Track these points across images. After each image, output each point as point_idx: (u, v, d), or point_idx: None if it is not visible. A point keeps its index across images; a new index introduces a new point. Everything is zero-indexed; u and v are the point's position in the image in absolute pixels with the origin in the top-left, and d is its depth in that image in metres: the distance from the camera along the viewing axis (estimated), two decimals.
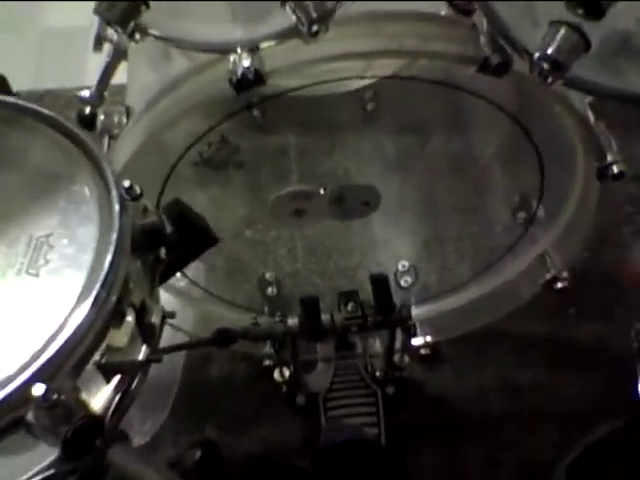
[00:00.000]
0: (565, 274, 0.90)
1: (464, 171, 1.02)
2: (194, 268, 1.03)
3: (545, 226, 0.92)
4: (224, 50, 0.63)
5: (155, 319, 0.49)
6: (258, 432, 1.00)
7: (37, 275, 0.44)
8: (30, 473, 0.45)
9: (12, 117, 0.55)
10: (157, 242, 0.52)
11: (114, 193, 0.47)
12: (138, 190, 0.50)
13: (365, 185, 0.87)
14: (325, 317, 0.83)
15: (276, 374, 0.98)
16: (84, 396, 0.44)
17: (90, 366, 0.45)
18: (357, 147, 1.13)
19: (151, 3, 0.59)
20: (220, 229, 1.09)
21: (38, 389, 0.40)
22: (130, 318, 0.48)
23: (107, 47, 0.83)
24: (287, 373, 0.97)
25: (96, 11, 0.60)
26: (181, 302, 0.99)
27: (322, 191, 0.86)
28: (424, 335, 0.99)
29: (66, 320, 0.42)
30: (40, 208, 0.48)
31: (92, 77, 0.85)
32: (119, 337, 0.47)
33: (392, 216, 1.03)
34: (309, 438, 0.98)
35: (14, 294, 0.44)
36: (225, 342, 0.80)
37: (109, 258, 0.44)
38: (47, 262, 0.45)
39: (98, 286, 0.43)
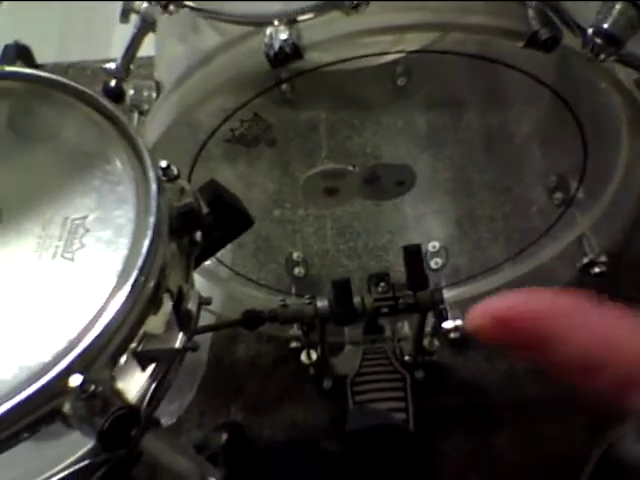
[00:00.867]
0: (603, 258, 0.87)
1: (499, 148, 0.99)
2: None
3: (584, 208, 0.89)
4: (262, 22, 0.60)
5: (192, 305, 0.47)
6: (284, 414, 0.99)
7: (73, 259, 0.42)
8: (63, 464, 0.43)
9: (43, 91, 0.52)
10: (193, 225, 0.50)
11: (151, 174, 0.45)
12: (175, 171, 0.48)
13: (400, 164, 0.84)
14: (355, 299, 0.81)
15: (303, 356, 0.96)
16: (120, 385, 0.42)
17: (126, 355, 0.43)
18: (388, 123, 1.10)
19: None
20: (248, 207, 1.08)
21: (75, 380, 0.38)
22: (167, 304, 0.46)
23: (134, 18, 0.81)
24: (314, 356, 0.96)
25: None
26: (208, 282, 0.97)
27: (351, 167, 0.84)
28: (455, 319, 0.97)
29: (103, 307, 0.40)
30: (74, 188, 0.46)
31: (118, 49, 0.82)
32: (156, 324, 0.45)
33: (423, 195, 1.01)
34: (335, 421, 0.97)
35: (49, 279, 0.42)
36: (253, 324, 0.78)
37: (147, 242, 0.42)
38: (83, 246, 0.43)
39: (136, 272, 0.41)
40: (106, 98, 0.52)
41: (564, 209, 0.89)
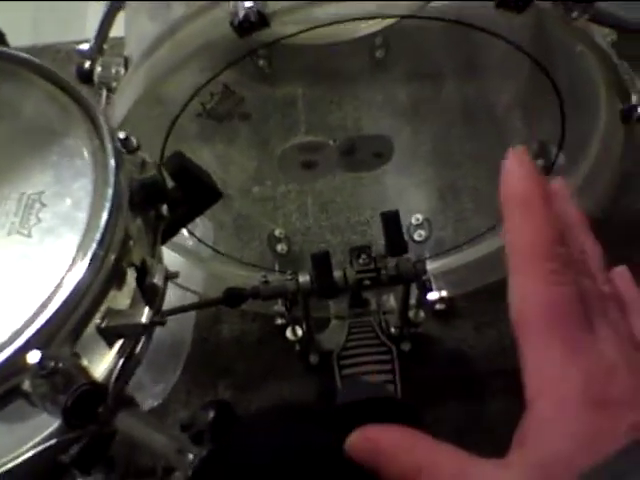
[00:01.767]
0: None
1: (480, 118, 0.98)
2: (202, 226, 1.01)
3: (566, 174, 0.88)
4: None
5: (158, 280, 0.46)
6: (272, 391, 0.98)
7: (29, 235, 0.41)
8: (31, 443, 0.43)
9: (5, 68, 0.51)
10: (158, 198, 0.49)
11: (108, 145, 0.44)
12: (135, 142, 0.47)
13: (377, 135, 0.83)
14: (337, 273, 0.80)
15: (288, 333, 0.95)
16: (85, 362, 0.42)
17: (90, 331, 0.43)
18: (367, 97, 1.09)
19: None
20: (228, 185, 1.07)
21: (33, 356, 0.37)
22: (131, 279, 0.45)
23: None
24: (300, 331, 0.95)
25: None
26: (190, 262, 0.96)
27: (331, 142, 0.83)
28: (440, 290, 0.96)
29: (61, 282, 0.39)
30: (32, 163, 0.45)
31: (92, 31, 0.81)
32: (120, 299, 0.44)
33: (405, 168, 1.00)
34: (323, 396, 0.96)
35: (5, 256, 0.41)
36: (235, 302, 0.78)
37: (105, 215, 0.41)
38: (39, 221, 0.42)
39: (95, 245, 0.40)
40: (70, 75, 0.51)
41: (546, 175, 0.88)
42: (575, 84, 0.77)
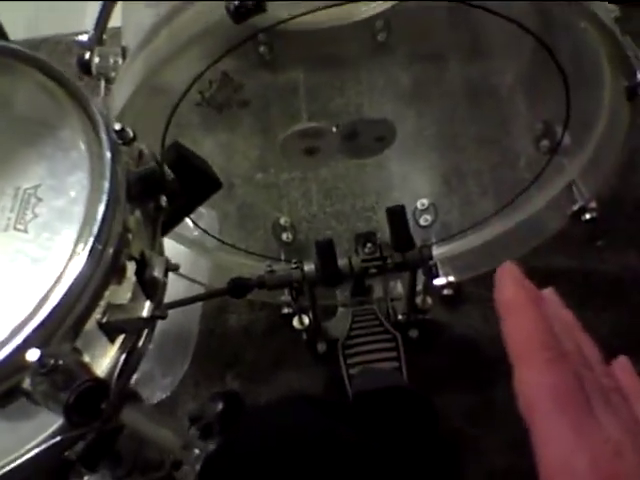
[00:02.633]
0: (593, 204, 0.85)
1: (484, 100, 0.97)
2: (207, 217, 1.00)
3: (571, 154, 0.86)
4: None
5: (158, 272, 0.45)
6: (280, 380, 0.98)
7: (26, 231, 0.41)
8: (35, 442, 0.42)
9: None
10: (156, 189, 0.48)
11: (104, 137, 0.43)
12: (131, 133, 0.46)
13: (379, 119, 0.81)
14: (342, 261, 0.79)
15: (295, 322, 0.95)
16: (86, 359, 0.41)
17: (91, 326, 0.42)
18: (369, 81, 1.07)
19: None
20: (231, 174, 1.06)
21: (32, 354, 0.36)
22: (131, 273, 0.44)
23: None
24: (306, 320, 0.94)
25: None
26: (195, 253, 0.96)
27: (334, 129, 0.82)
28: (447, 275, 0.95)
29: (59, 278, 0.38)
30: (27, 157, 0.44)
31: (91, 22, 0.80)
32: (120, 293, 0.44)
33: (409, 152, 0.99)
34: (331, 385, 0.96)
35: (2, 253, 0.40)
36: (240, 292, 0.77)
37: (102, 209, 0.40)
38: (36, 216, 0.41)
39: (92, 239, 0.39)
40: (64, 65, 0.50)
41: (551, 156, 0.87)
42: (579, 62, 0.75)
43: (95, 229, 0.39)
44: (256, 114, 0.98)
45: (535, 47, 0.74)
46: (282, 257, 1.00)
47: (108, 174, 0.41)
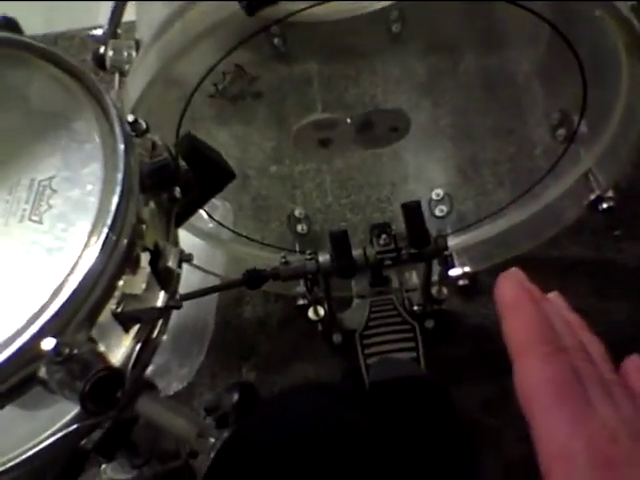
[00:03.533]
0: (610, 193, 0.84)
1: (500, 90, 0.96)
2: (221, 209, 1.00)
3: (588, 143, 0.86)
4: None
5: (172, 263, 0.45)
6: (296, 371, 0.98)
7: (41, 222, 0.41)
8: (51, 430, 0.43)
9: (12, 54, 0.51)
10: (170, 180, 0.48)
11: (117, 129, 0.43)
12: (144, 125, 0.46)
13: (393, 109, 0.81)
14: (357, 252, 0.79)
15: (310, 313, 0.95)
16: (102, 348, 0.41)
17: (106, 316, 0.42)
18: (385, 72, 1.07)
19: None
20: (246, 166, 1.06)
21: (48, 343, 0.37)
22: (145, 263, 0.44)
23: None
24: (322, 311, 0.94)
25: None
26: (210, 245, 0.96)
27: (349, 120, 0.82)
28: (462, 266, 0.95)
29: (73, 268, 0.39)
30: (41, 149, 0.44)
31: (105, 17, 0.80)
32: (135, 284, 0.44)
33: (424, 143, 0.98)
34: (347, 375, 0.96)
35: (18, 244, 0.41)
36: (255, 283, 0.77)
37: (116, 199, 0.40)
38: (50, 207, 0.41)
39: (106, 230, 0.40)
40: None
41: (568, 145, 0.86)
42: (595, 51, 0.75)
43: (109, 220, 0.40)
44: (270, 106, 0.98)
45: (552, 36, 0.74)
46: (297, 248, 1.00)
47: (122, 166, 0.41)
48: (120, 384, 0.41)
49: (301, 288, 0.96)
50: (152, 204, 0.48)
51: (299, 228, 1.03)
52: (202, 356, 0.98)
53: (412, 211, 0.75)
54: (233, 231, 0.97)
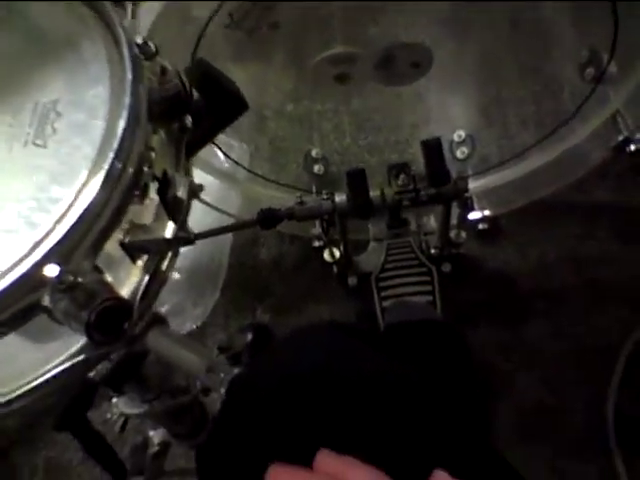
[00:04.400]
0: (639, 135, 0.81)
1: (527, 25, 0.92)
2: (238, 149, 0.98)
3: (616, 83, 0.82)
4: None
5: (181, 193, 0.44)
6: (310, 313, 0.98)
7: (45, 146, 0.40)
8: (59, 359, 0.42)
9: None
10: (181, 108, 0.46)
11: (125, 52, 0.41)
12: (153, 47, 0.44)
13: (414, 43, 0.78)
14: (375, 193, 0.77)
15: (326, 255, 0.94)
16: (108, 278, 0.40)
17: (113, 247, 0.41)
18: (407, 5, 1.03)
19: None
20: (263, 107, 1.04)
21: (51, 270, 0.36)
22: (154, 193, 0.43)
23: None
24: (337, 253, 0.93)
25: None
26: (226, 185, 0.95)
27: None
28: (482, 209, 0.93)
29: (78, 195, 0.37)
30: (45, 71, 0.43)
31: None
32: (143, 214, 0.43)
33: (446, 81, 0.95)
34: (362, 318, 0.95)
35: (22, 169, 0.39)
36: (270, 223, 0.76)
37: (122, 124, 0.39)
38: (55, 131, 0.40)
39: (111, 156, 0.38)
40: None
41: (596, 85, 0.82)
42: None
43: (115, 145, 0.38)
44: (289, 42, 0.95)
45: None
46: (313, 190, 0.98)
47: (129, 90, 0.40)
48: (127, 315, 0.40)
49: (317, 229, 0.94)
50: (162, 133, 0.46)
51: (316, 169, 1.01)
52: (216, 296, 0.97)
53: (432, 148, 0.73)
54: (249, 170, 0.95)
